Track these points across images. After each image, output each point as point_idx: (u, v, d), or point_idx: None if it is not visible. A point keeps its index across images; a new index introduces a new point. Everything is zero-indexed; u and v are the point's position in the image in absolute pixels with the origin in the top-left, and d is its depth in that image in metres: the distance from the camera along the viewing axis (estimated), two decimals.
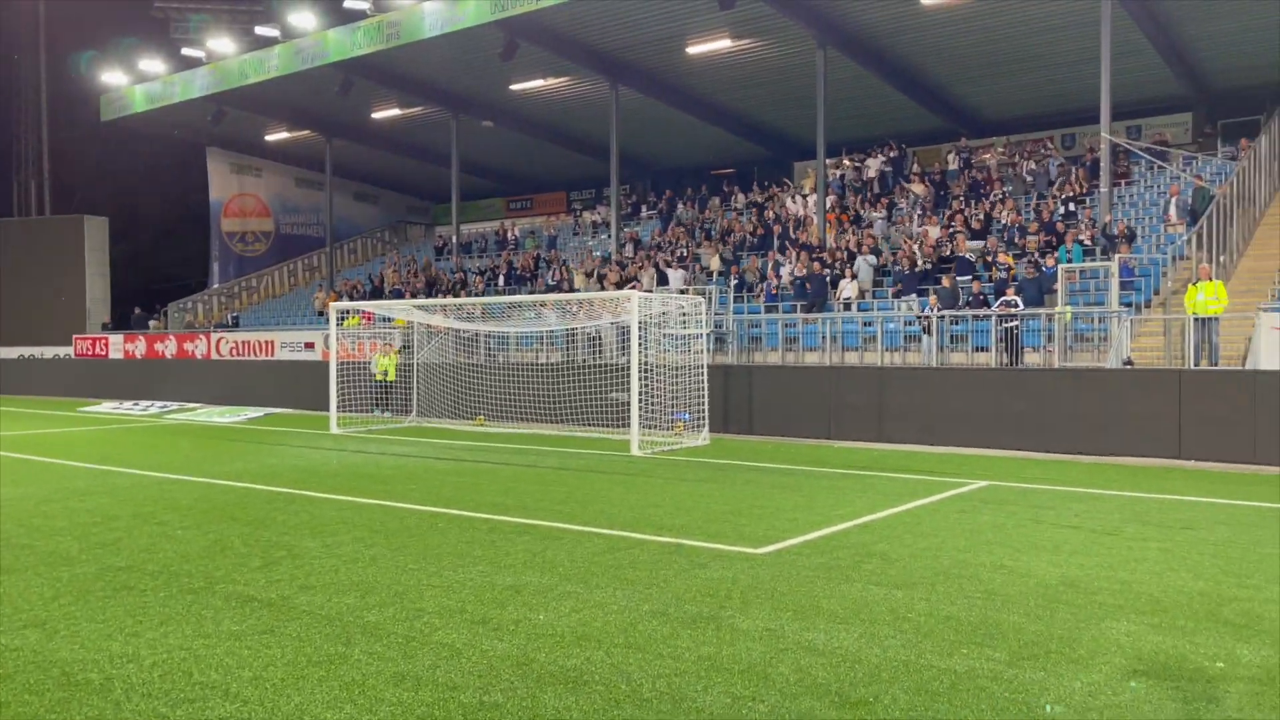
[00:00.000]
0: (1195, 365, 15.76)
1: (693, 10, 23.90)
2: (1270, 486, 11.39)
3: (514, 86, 30.09)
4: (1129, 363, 16.45)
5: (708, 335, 21.38)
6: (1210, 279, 16.41)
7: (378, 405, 21.88)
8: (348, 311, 26.77)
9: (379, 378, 21.98)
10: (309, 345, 29.51)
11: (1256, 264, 20.40)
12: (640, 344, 18.47)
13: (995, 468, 13.03)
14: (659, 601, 6.25)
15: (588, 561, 7.37)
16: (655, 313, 17.82)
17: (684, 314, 16.85)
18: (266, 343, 30.88)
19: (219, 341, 31.99)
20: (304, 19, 28.84)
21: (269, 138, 37.80)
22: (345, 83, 29.08)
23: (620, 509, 9.74)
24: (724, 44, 25.80)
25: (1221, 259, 19.36)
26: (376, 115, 33.94)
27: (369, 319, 27.83)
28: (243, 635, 5.58)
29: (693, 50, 26.26)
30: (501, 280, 30.48)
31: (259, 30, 30.23)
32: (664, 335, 19.22)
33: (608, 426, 17.43)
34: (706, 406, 16.60)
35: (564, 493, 10.82)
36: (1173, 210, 21.72)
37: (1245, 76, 26.71)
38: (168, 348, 33.56)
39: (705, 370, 16.73)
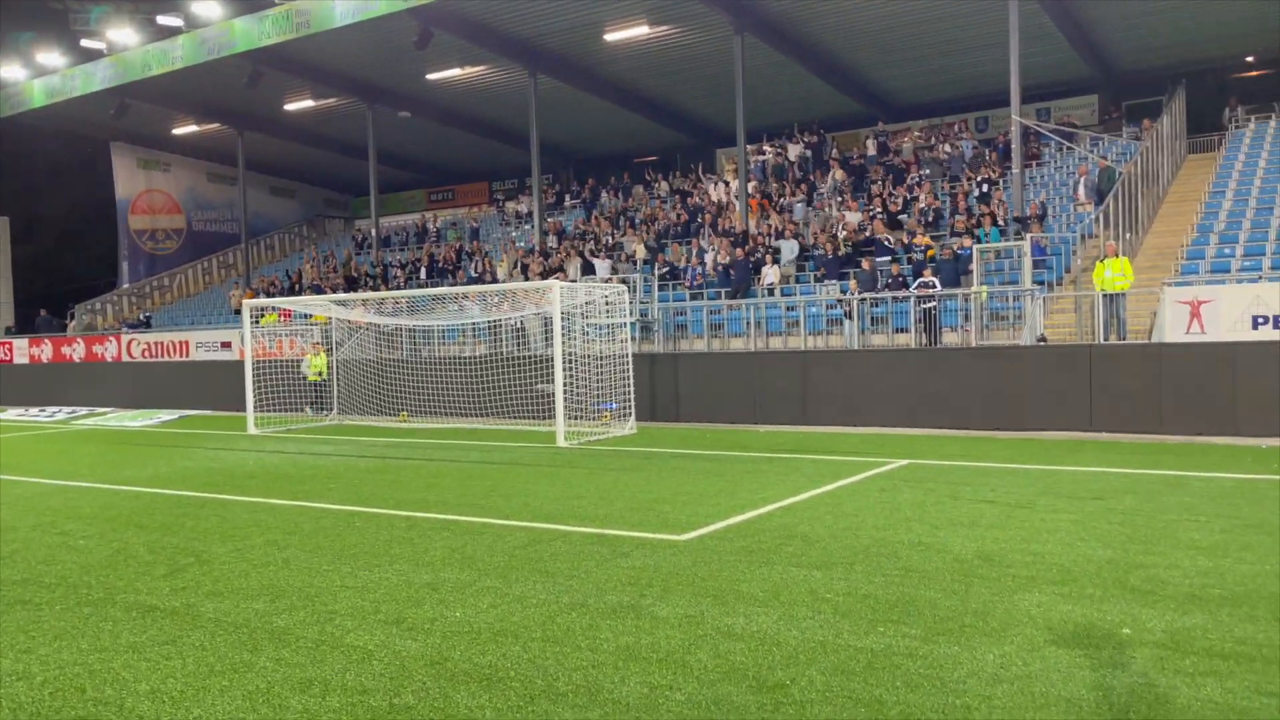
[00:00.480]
0: (1104, 340, 16.22)
1: None
2: (1175, 455, 11.77)
3: (430, 76, 29.56)
4: (1042, 339, 16.86)
5: (632, 324, 21.35)
6: (1116, 256, 16.89)
7: (312, 405, 21.37)
8: (264, 309, 26.10)
9: (313, 378, 21.45)
10: (225, 344, 28.65)
11: (1161, 240, 21.09)
12: (565, 334, 18.38)
13: (916, 446, 13.24)
14: (579, 593, 6.17)
15: (508, 555, 7.25)
16: (579, 302, 17.71)
17: (608, 303, 16.74)
18: (180, 343, 29.92)
19: (130, 343, 30.89)
20: (208, 8, 27.95)
21: (177, 131, 36.55)
22: (254, 74, 28.24)
23: (544, 501, 9.63)
24: (642, 30, 25.69)
25: (1128, 236, 19.96)
26: (289, 107, 33.04)
27: (287, 316, 27.17)
28: (142, 647, 5.34)
29: (611, 37, 26.10)
30: (423, 273, 30.00)
31: (161, 20, 29.18)
32: (589, 325, 19.12)
33: (534, 418, 17.29)
34: (632, 395, 16.55)
35: (487, 486, 10.67)
36: (1081, 190, 22.32)
37: (1147, 58, 27.57)
38: (76, 351, 32.31)
39: (630, 359, 16.67)
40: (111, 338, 31.65)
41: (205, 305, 35.96)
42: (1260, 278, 16.80)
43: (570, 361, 16.74)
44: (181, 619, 5.85)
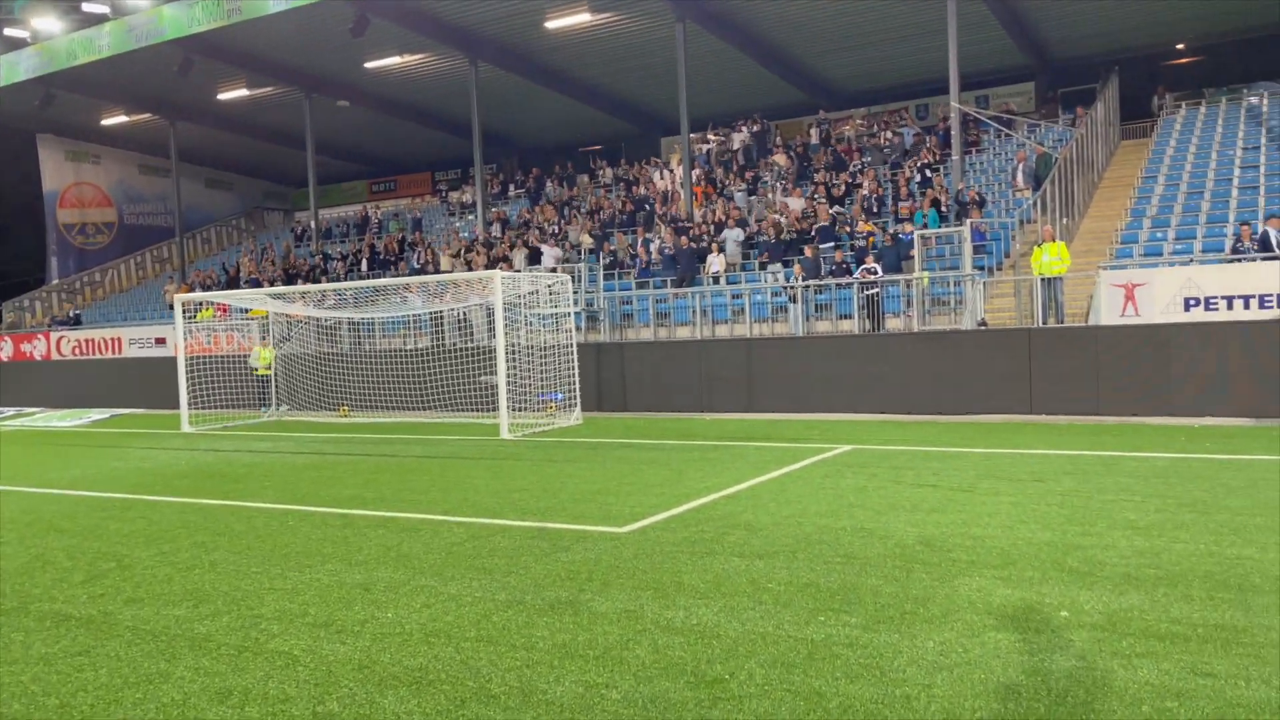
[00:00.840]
0: (1043, 324, 16.43)
1: None
2: (1112, 436, 11.94)
3: (369, 64, 29.00)
4: (983, 324, 17.04)
5: (578, 313, 21.18)
6: (1054, 240, 17.10)
7: (264, 401, 20.89)
8: (199, 303, 25.44)
9: (263, 371, 20.93)
10: (160, 341, 27.91)
11: (1096, 225, 21.44)
12: (509, 325, 18.15)
13: (860, 432, 13.28)
14: (516, 590, 6.02)
15: (445, 552, 7.08)
16: (523, 292, 17.48)
17: (551, 293, 16.55)
18: (113, 340, 29.06)
19: (60, 341, 29.95)
20: None
21: (106, 122, 35.43)
22: (185, 62, 27.45)
23: (484, 495, 9.45)
24: (583, 18, 25.43)
25: (1065, 221, 20.25)
26: (223, 96, 32.19)
27: (224, 311, 26.52)
28: (54, 659, 5.09)
29: (552, 24, 25.81)
30: (364, 265, 29.48)
31: (87, 7, 28.19)
32: (533, 315, 18.91)
33: (479, 411, 17.04)
34: (577, 386, 16.39)
35: (427, 482, 10.45)
36: (1019, 176, 22.59)
37: (1081, 46, 27.99)
38: (3, 349, 31.24)
39: (574, 349, 16.50)
40: (40, 335, 30.66)
41: (139, 301, 34.97)
42: (1192, 261, 17.14)
43: (514, 353, 16.53)
44: (98, 628, 5.59)
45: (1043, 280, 16.57)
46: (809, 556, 6.52)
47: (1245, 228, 16.60)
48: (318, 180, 41.59)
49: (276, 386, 20.78)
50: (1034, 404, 14.82)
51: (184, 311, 19.80)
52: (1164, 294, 15.81)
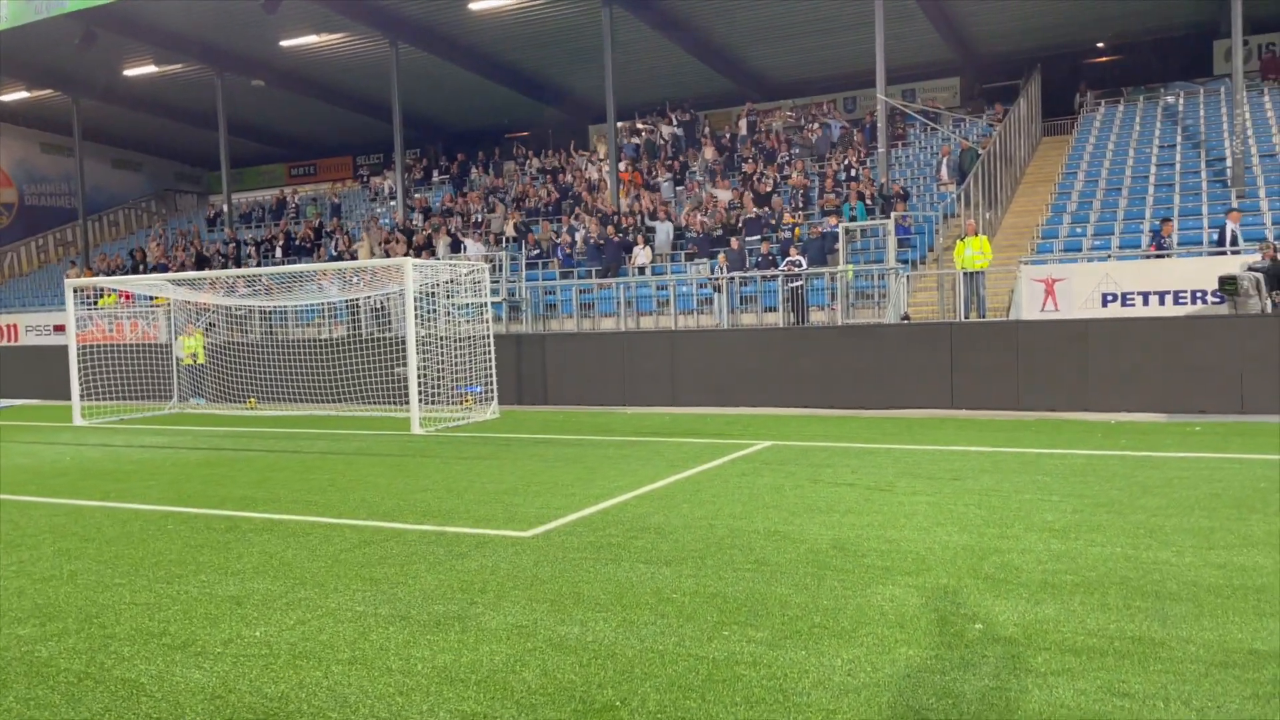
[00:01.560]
0: (965, 318, 16.43)
1: None
2: (1031, 432, 11.89)
3: (284, 43, 27.93)
4: (906, 318, 16.98)
5: (498, 304, 20.64)
6: (976, 235, 17.12)
7: (193, 393, 19.90)
8: (100, 289, 24.25)
9: (187, 361, 19.93)
10: (60, 328, 26.55)
11: (1019, 220, 21.61)
12: (427, 315, 17.55)
13: (781, 427, 13.05)
14: (403, 603, 5.57)
15: (332, 560, 6.58)
16: (439, 281, 16.91)
17: (472, 281, 16.01)
18: (9, 326, 27.62)
19: None
20: None
21: (5, 98, 33.60)
22: (87, 35, 26.07)
23: (384, 495, 8.94)
24: (509, 0, 24.80)
25: (988, 215, 20.36)
26: (130, 72, 30.72)
27: (128, 298, 25.34)
28: None
29: (476, 6, 25.12)
30: (279, 252, 28.46)
31: None
32: (453, 305, 18.33)
33: (393, 404, 16.42)
34: (494, 378, 15.89)
35: (325, 480, 9.89)
36: (944, 170, 22.68)
37: (1005, 42, 28.26)
38: None
39: (491, 340, 15.98)
40: None
41: (39, 285, 33.32)
42: (1109, 257, 17.32)
43: (429, 343, 15.97)
44: None
45: (965, 274, 16.58)
46: (718, 562, 6.19)
47: (1168, 224, 16.79)
48: (234, 163, 40.23)
49: (179, 378, 19.81)
50: (955, 399, 14.79)
51: (79, 297, 18.74)
52: (1082, 289, 15.92)
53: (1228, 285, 13.93)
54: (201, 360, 19.86)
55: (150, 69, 30.41)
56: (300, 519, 7.97)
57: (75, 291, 18.47)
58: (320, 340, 20.26)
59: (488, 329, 16.03)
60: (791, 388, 15.85)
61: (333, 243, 27.95)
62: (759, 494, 8.38)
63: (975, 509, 7.53)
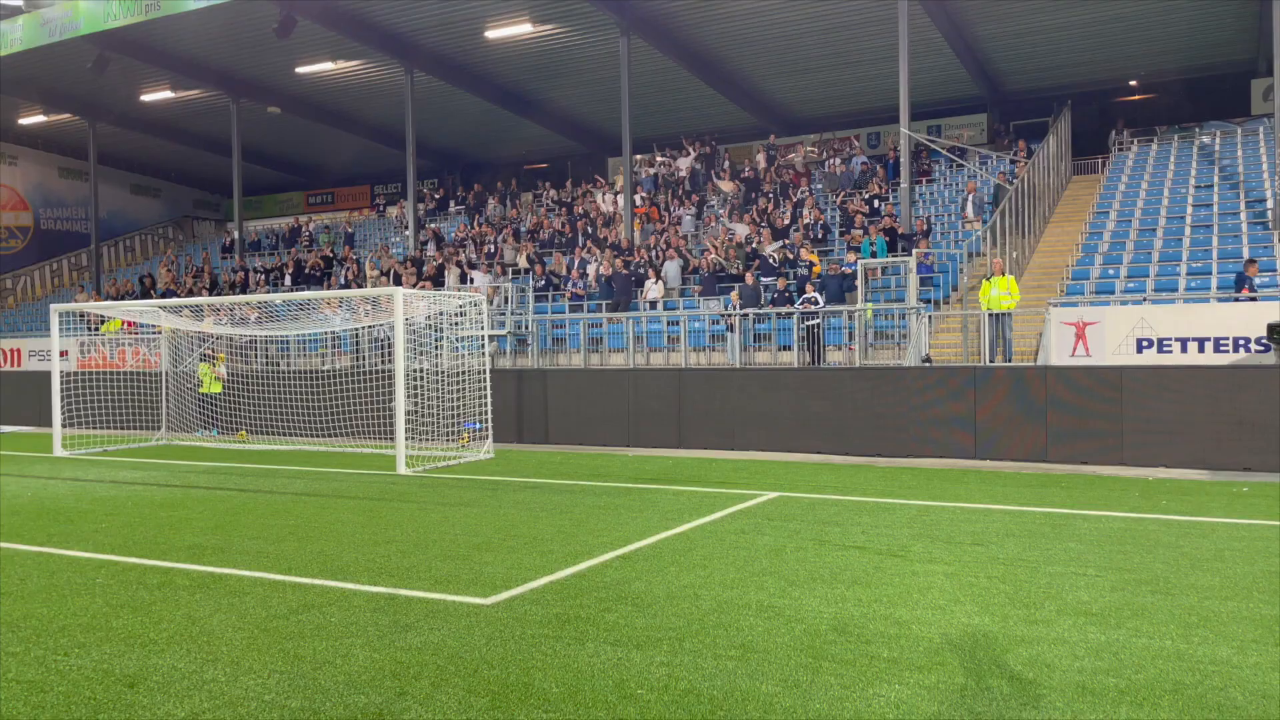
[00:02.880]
0: (990, 362, 15.53)
1: None
2: (1061, 489, 10.93)
3: (300, 69, 27.66)
4: (927, 360, 16.09)
5: (504, 337, 19.95)
6: (1003, 274, 16.25)
7: (204, 424, 19.35)
8: (105, 315, 23.82)
9: (204, 389, 19.39)
10: (64, 354, 26.13)
11: (1047, 259, 20.71)
12: (424, 347, 16.84)
13: (790, 475, 12.16)
14: (320, 690, 4.75)
15: (259, 629, 5.77)
16: (436, 313, 16.21)
17: (461, 314, 15.30)
18: (12, 351, 27.22)
19: None
20: None
21: (23, 121, 33.59)
22: (100, 59, 25.84)
23: (345, 547, 8.13)
24: (525, 28, 24.36)
25: (1014, 255, 19.48)
26: (146, 98, 30.58)
27: (131, 324, 24.88)
28: None
29: (492, 34, 24.71)
30: (288, 280, 27.95)
31: None
32: (455, 338, 17.64)
33: (387, 440, 15.66)
34: (489, 415, 15.11)
35: (288, 527, 9.10)
36: (970, 207, 21.84)
37: (1034, 79, 27.53)
38: None
39: (488, 375, 15.22)
40: None
41: (49, 310, 32.97)
42: (1144, 299, 16.38)
43: (422, 377, 15.24)
44: None
45: (990, 315, 15.69)
46: (697, 646, 5.33)
47: (1253, 265, 15.58)
48: (252, 190, 40.15)
49: (167, 408, 19.20)
50: (979, 448, 13.85)
51: (82, 323, 18.20)
52: (1116, 334, 14.97)
53: (1277, 333, 12.96)
54: (216, 390, 19.24)
55: (167, 94, 30.25)
56: (244, 574, 7.17)
57: (79, 317, 17.96)
58: (320, 371, 19.61)
59: (484, 363, 15.27)
60: (804, 432, 14.98)
61: (343, 271, 27.42)
62: (756, 557, 7.51)
63: (1000, 583, 6.62)
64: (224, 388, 19.35)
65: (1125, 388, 13.18)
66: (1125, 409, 13.12)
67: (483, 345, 16.02)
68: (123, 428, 18.72)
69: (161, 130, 34.20)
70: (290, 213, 40.30)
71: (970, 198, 22.02)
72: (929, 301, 17.99)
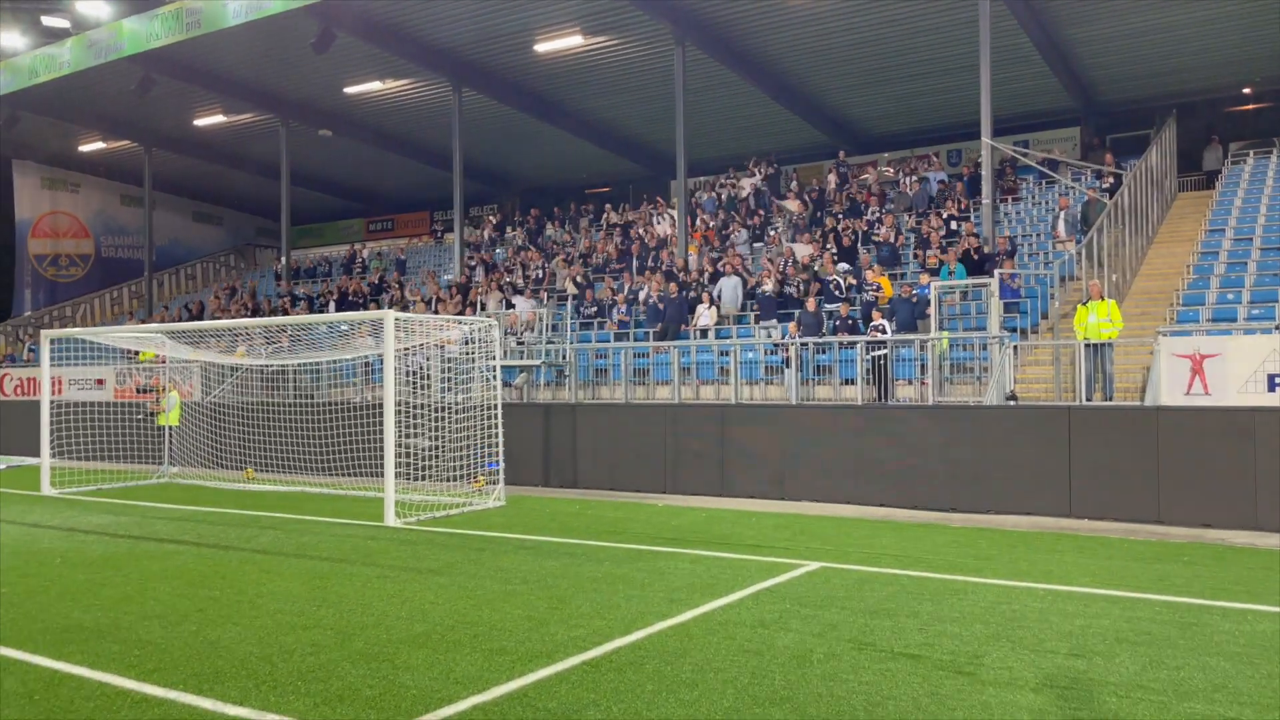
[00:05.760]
0: (1087, 400, 13.24)
1: None
2: (1183, 565, 8.65)
3: (348, 90, 26.72)
4: (1012, 398, 13.84)
5: (538, 368, 18.33)
6: (1102, 298, 13.97)
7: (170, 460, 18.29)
8: (141, 347, 22.99)
9: (161, 421, 18.34)
10: (100, 382, 25.47)
11: (1151, 284, 18.24)
12: (448, 379, 15.31)
13: (841, 537, 10.10)
14: None
15: None
16: (455, 340, 14.64)
17: (468, 342, 13.67)
18: (54, 380, 26.63)
19: (2, 379, 27.63)
20: (95, 8, 25.02)
21: (84, 148, 33.53)
22: (145, 80, 25.22)
23: (253, 633, 6.43)
24: (575, 40, 22.91)
25: (1114, 278, 17.10)
26: (200, 122, 30.10)
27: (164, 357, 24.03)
28: None
29: (542, 48, 23.32)
30: (332, 307, 26.88)
31: (47, 22, 26.24)
32: (486, 368, 16.03)
33: (403, 480, 14.00)
34: (501, 457, 13.35)
35: (205, 601, 7.44)
36: (1061, 226, 19.50)
37: (1134, 89, 25.00)
38: None
39: (499, 410, 13.49)
40: None
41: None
42: (1275, 328, 13.88)
43: (445, 412, 13.62)
44: None
45: (1088, 346, 13.40)
46: None
47: None
48: (313, 218, 39.66)
49: (170, 444, 18.01)
50: (1074, 504, 11.59)
51: (53, 349, 17.20)
52: (1242, 369, 12.52)
53: None
54: (174, 423, 18.03)
55: (219, 118, 29.73)
56: (89, 678, 5.50)
57: (46, 342, 16.91)
58: (341, 404, 18.19)
59: (496, 397, 13.56)
60: (864, 480, 12.88)
61: (387, 298, 26.25)
62: (770, 670, 5.55)
63: None
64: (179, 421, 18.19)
65: (1258, 434, 10.83)
66: (1259, 460, 10.75)
67: (496, 376, 14.34)
68: (131, 462, 17.60)
69: (218, 156, 33.81)
70: (351, 240, 39.67)
71: (1062, 215, 19.68)
72: (1014, 330, 15.75)
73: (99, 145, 32.98)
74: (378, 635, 6.33)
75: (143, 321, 30.59)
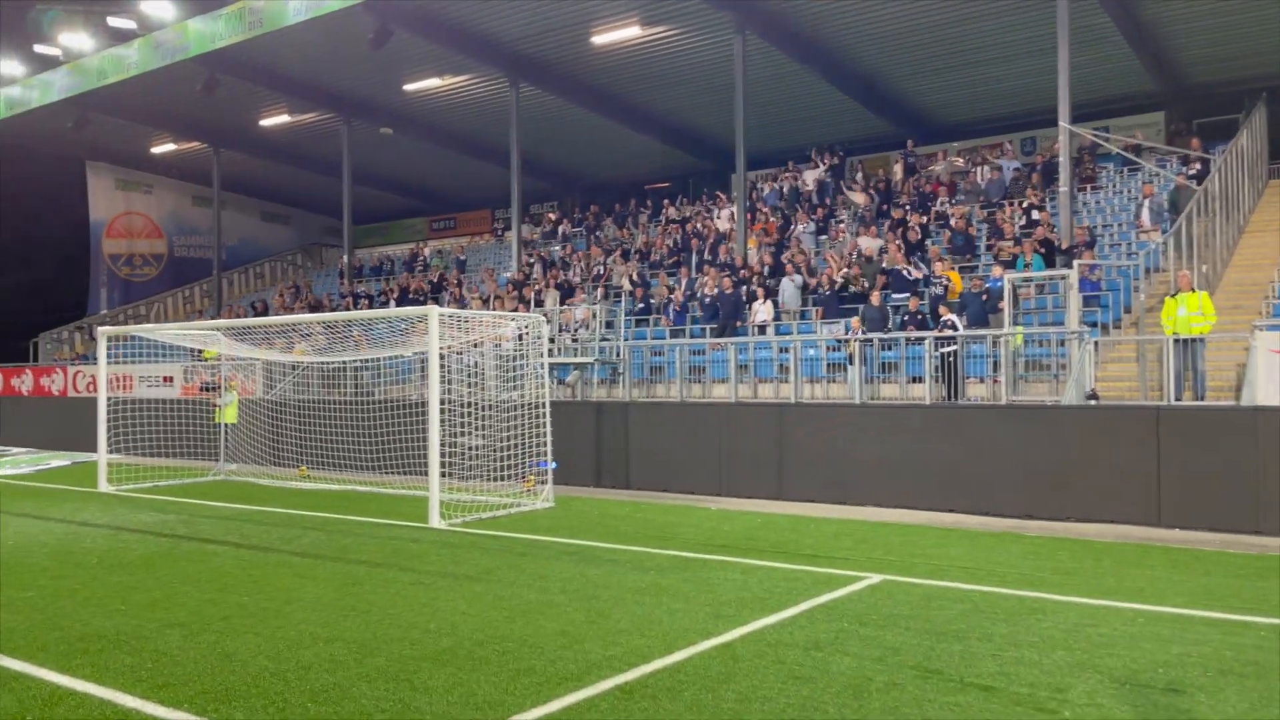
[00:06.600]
0: (1177, 399, 12.32)
1: None
2: None
3: (408, 87, 26.64)
4: (1093, 397, 12.96)
5: (590, 365, 17.91)
6: (1193, 289, 13.02)
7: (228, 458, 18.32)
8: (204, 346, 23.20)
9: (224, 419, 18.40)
10: (168, 379, 25.81)
11: (1244, 275, 17.09)
12: (510, 376, 14.95)
13: (906, 546, 9.44)
14: None
15: None
16: (506, 335, 14.28)
17: (520, 338, 13.27)
18: (125, 377, 27.08)
19: (76, 376, 28.21)
20: (160, 8, 25.31)
21: (156, 150, 34.14)
22: (209, 80, 25.44)
23: (268, 648, 6.06)
24: (633, 31, 22.42)
25: (1204, 269, 16.04)
26: (265, 122, 30.38)
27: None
28: None
29: (599, 39, 22.88)
30: (393, 305, 26.83)
31: (113, 23, 26.65)
32: (540, 365, 15.65)
33: (453, 479, 13.66)
34: (549, 455, 12.91)
35: (232, 608, 7.11)
36: (1145, 214, 18.42)
37: (1223, 71, 23.61)
38: (24, 384, 29.73)
39: (547, 409, 13.06)
40: (59, 370, 29.03)
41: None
42: None
43: (484, 410, 13.27)
44: None
45: (1177, 341, 12.48)
46: None
47: None
48: (377, 217, 39.89)
49: (226, 440, 18.00)
50: (1164, 513, 10.73)
51: (125, 348, 17.27)
52: None
53: None
54: (231, 420, 18.01)
55: (284, 118, 29.97)
56: (93, 693, 5.18)
57: (102, 340, 16.97)
58: (397, 401, 17.99)
59: (544, 395, 13.13)
60: (932, 485, 12.16)
61: (446, 297, 26.11)
62: (822, 700, 4.99)
63: None
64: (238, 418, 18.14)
65: None
66: None
67: (544, 373, 13.93)
68: (193, 458, 17.66)
69: (284, 156, 34.14)
70: (415, 238, 39.82)
71: (1147, 203, 18.59)
72: (1094, 325, 14.83)
73: (170, 147, 33.53)
74: (400, 651, 5.92)
75: (212, 318, 30.99)
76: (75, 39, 27.68)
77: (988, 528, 10.62)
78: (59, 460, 19.79)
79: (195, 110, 29.39)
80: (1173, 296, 13.11)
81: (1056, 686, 5.16)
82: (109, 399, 17.01)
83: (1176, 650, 5.82)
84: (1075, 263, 14.99)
